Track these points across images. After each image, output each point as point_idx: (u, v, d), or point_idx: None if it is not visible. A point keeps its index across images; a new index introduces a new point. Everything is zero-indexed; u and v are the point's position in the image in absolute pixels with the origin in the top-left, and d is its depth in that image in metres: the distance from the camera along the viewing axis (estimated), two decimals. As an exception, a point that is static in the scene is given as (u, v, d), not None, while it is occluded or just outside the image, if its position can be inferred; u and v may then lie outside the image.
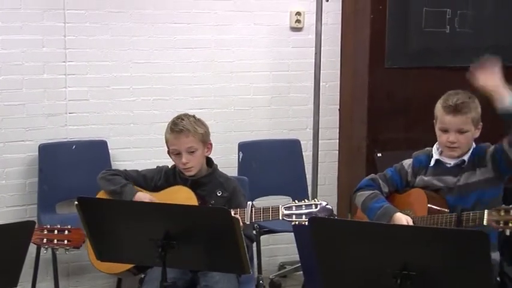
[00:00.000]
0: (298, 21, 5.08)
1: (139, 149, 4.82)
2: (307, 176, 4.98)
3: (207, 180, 3.65)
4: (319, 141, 5.03)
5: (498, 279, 3.43)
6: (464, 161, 3.40)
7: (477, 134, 3.41)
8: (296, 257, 3.53)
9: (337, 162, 5.35)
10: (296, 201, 3.38)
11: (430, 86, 4.81)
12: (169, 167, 3.73)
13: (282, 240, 5.06)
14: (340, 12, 5.17)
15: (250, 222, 3.42)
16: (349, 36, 5.18)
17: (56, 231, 3.47)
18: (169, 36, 4.84)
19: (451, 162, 3.43)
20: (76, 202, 2.96)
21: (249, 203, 3.42)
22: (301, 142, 5.04)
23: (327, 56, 5.11)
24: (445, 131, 3.38)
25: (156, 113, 4.82)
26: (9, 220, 4.33)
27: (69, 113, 4.69)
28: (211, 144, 3.70)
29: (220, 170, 3.74)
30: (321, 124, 5.04)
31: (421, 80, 5.06)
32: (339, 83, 5.27)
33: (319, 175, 5.05)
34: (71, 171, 4.61)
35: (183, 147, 3.58)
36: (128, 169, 3.78)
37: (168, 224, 2.84)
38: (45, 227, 3.49)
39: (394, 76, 5.04)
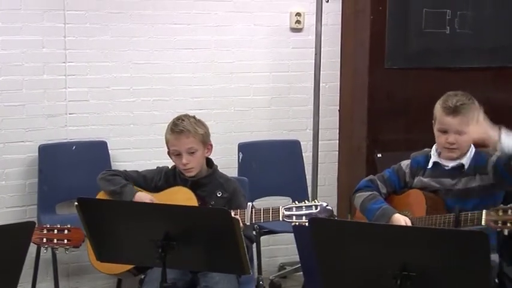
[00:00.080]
0: (298, 22, 5.08)
1: (139, 150, 4.82)
2: (307, 177, 4.98)
3: (207, 181, 3.65)
4: (319, 142, 5.03)
5: (496, 280, 3.43)
6: (462, 164, 3.40)
7: None
8: (296, 257, 3.53)
9: (337, 163, 5.35)
10: (296, 202, 3.38)
11: (430, 87, 4.81)
12: (170, 167, 3.73)
13: (282, 241, 5.07)
14: (340, 13, 5.17)
15: (251, 223, 3.42)
16: (349, 37, 5.18)
17: (55, 231, 3.47)
18: (169, 37, 4.84)
19: (449, 164, 3.42)
20: (76, 203, 2.96)
21: (249, 204, 3.42)
22: (301, 143, 5.04)
23: (327, 56, 5.11)
24: (444, 132, 3.38)
25: (156, 113, 4.83)
26: (9, 221, 4.32)
27: (69, 114, 4.69)
28: (211, 145, 3.70)
29: (220, 170, 3.74)
30: (321, 125, 5.04)
31: (421, 80, 5.06)
32: (338, 83, 5.27)
33: (319, 176, 5.05)
34: (71, 172, 4.61)
35: (184, 148, 3.58)
36: (127, 170, 3.78)
37: (168, 225, 2.84)
38: (44, 226, 3.49)
39: (394, 77, 5.04)
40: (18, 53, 4.53)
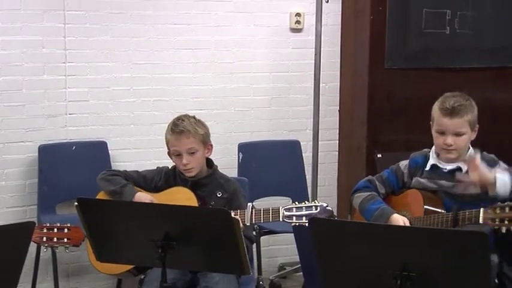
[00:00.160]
0: (298, 22, 5.09)
1: (139, 150, 4.83)
2: (307, 177, 4.98)
3: (207, 181, 3.65)
4: (319, 142, 5.04)
5: (496, 281, 3.43)
6: (460, 168, 3.39)
7: (474, 136, 3.40)
8: (296, 258, 3.54)
9: (337, 163, 5.35)
10: (296, 202, 3.38)
11: (430, 87, 4.81)
12: (170, 167, 3.73)
13: (282, 241, 5.07)
14: (340, 13, 5.17)
15: (250, 223, 3.42)
16: (349, 37, 5.18)
17: (55, 230, 3.46)
18: (170, 37, 4.84)
19: (446, 167, 3.42)
20: (76, 203, 2.96)
21: (249, 204, 3.42)
22: (301, 143, 5.04)
23: (327, 57, 5.11)
24: (441, 133, 3.37)
25: (156, 113, 4.83)
26: (9, 221, 4.33)
27: (69, 114, 4.69)
28: (211, 145, 3.70)
29: (220, 171, 3.74)
30: (321, 125, 5.04)
31: (421, 80, 5.06)
32: (338, 83, 5.27)
33: (319, 176, 5.05)
34: (71, 172, 4.61)
35: (184, 148, 3.58)
36: (127, 170, 3.78)
37: (168, 225, 2.84)
38: (44, 225, 3.49)
39: (394, 77, 5.04)
40: (18, 53, 4.53)
